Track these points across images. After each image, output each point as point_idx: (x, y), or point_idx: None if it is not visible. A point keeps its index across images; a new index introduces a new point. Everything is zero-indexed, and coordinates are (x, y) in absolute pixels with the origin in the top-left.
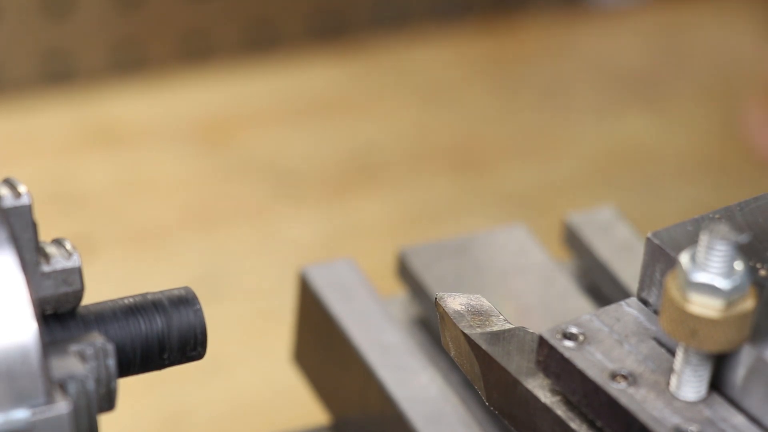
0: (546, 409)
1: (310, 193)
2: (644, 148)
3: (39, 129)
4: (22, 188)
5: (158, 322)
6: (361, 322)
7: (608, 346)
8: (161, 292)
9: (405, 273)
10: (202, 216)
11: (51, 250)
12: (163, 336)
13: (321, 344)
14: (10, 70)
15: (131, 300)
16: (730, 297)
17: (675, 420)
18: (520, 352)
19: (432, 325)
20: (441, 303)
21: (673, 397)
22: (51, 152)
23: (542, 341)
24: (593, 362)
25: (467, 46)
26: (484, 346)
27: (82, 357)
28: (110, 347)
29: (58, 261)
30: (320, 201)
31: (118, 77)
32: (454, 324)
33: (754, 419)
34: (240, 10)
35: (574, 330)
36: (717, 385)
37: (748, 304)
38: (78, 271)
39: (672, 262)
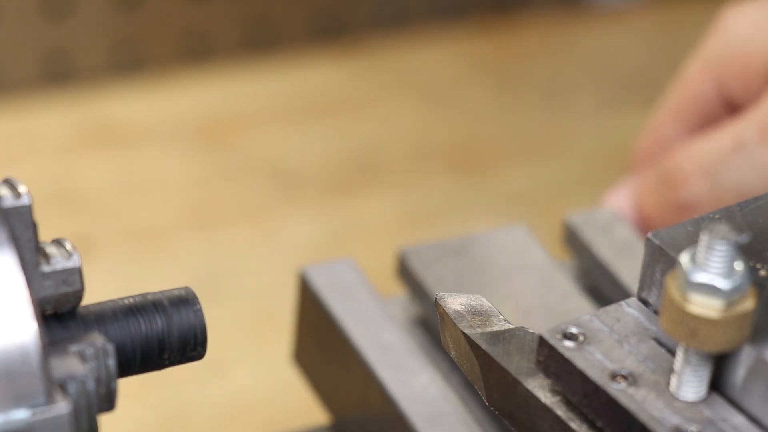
0: (546, 410)
1: (310, 193)
2: None
3: (39, 129)
4: (22, 188)
5: (158, 323)
6: (361, 322)
7: (608, 347)
8: (161, 292)
9: (405, 273)
10: (202, 216)
11: (51, 250)
12: (163, 336)
13: (321, 344)
14: (10, 70)
15: (131, 300)
16: (730, 297)
17: (675, 420)
18: (520, 353)
19: (432, 325)
20: (441, 303)
21: (673, 398)
22: (51, 152)
23: (542, 341)
24: (593, 362)
25: (467, 46)
26: (484, 347)
27: (82, 357)
28: (110, 347)
29: (58, 261)
30: (320, 201)
31: (118, 77)
32: (454, 324)
33: (754, 419)
34: (240, 10)
35: (574, 330)
36: (717, 385)
37: (748, 304)
38: (78, 271)
39: (672, 262)
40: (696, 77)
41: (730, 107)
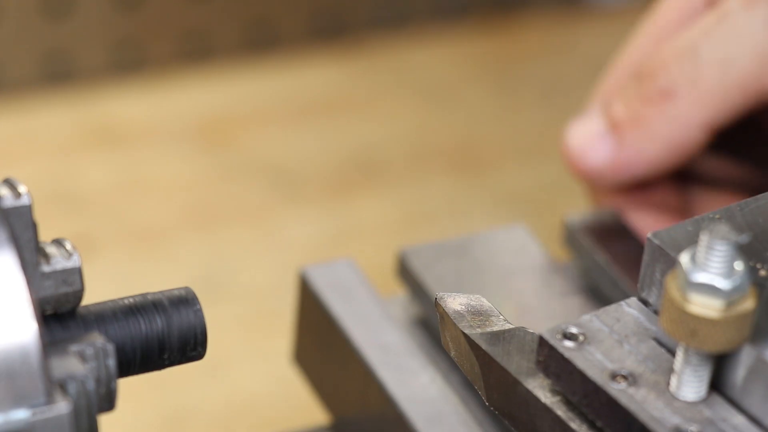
0: (546, 410)
1: (310, 193)
2: None
3: (39, 129)
4: (22, 188)
5: (158, 323)
6: (361, 322)
7: (608, 347)
8: (161, 292)
9: (405, 273)
10: (202, 216)
11: (51, 250)
12: (163, 336)
13: (321, 344)
14: (10, 70)
15: (131, 300)
16: (730, 297)
17: (675, 420)
18: (520, 352)
19: (432, 325)
20: (441, 303)
21: (673, 398)
22: (51, 152)
23: (542, 341)
24: (593, 362)
25: (467, 46)
26: (484, 347)
27: (82, 357)
28: (110, 347)
29: (58, 261)
30: (320, 201)
31: (118, 77)
32: (454, 324)
33: (754, 419)
34: (240, 10)
35: (574, 330)
36: (717, 385)
37: (748, 304)
38: (78, 271)
39: (672, 262)
40: None
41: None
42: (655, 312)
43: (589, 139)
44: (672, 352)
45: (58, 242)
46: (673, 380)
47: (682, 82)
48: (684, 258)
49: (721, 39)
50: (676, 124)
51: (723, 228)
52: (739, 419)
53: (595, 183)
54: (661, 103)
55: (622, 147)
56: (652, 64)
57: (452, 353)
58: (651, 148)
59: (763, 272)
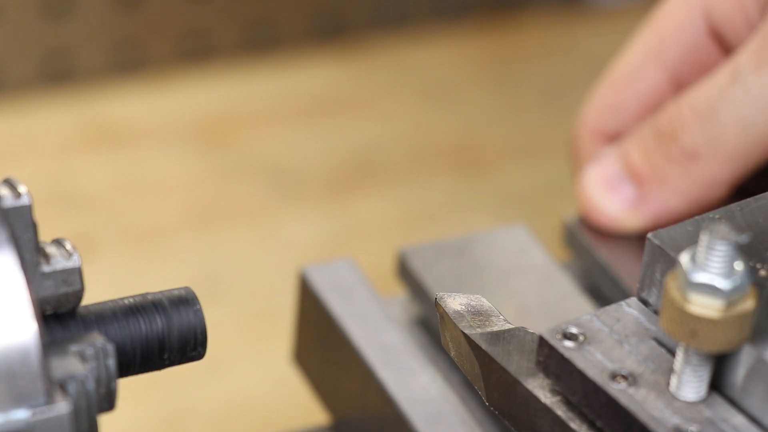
0: (546, 410)
1: (310, 193)
2: None
3: (39, 129)
4: (22, 188)
5: (158, 323)
6: (361, 322)
7: (608, 347)
8: (161, 292)
9: (405, 273)
10: (202, 216)
11: (51, 250)
12: (163, 336)
13: (321, 344)
14: (10, 70)
15: (131, 300)
16: (730, 297)
17: (675, 420)
18: (520, 353)
19: (432, 325)
20: (441, 303)
21: (673, 398)
22: (51, 152)
23: (542, 341)
24: (593, 362)
25: (467, 46)
26: (484, 347)
27: (82, 357)
28: (110, 347)
29: (58, 261)
30: (320, 201)
31: (118, 77)
32: (454, 324)
33: (754, 419)
34: (240, 10)
35: (574, 330)
36: (717, 385)
37: (748, 304)
38: (78, 271)
39: (672, 262)
40: (680, 5)
41: (716, 36)
42: (655, 312)
43: (608, 186)
44: (672, 352)
45: (58, 242)
46: (673, 380)
47: (704, 144)
48: (684, 258)
49: (737, 102)
50: (701, 183)
51: (723, 228)
52: (739, 419)
53: (611, 228)
54: (685, 163)
55: (645, 200)
56: (674, 123)
57: (452, 353)
58: (675, 203)
59: (763, 272)
